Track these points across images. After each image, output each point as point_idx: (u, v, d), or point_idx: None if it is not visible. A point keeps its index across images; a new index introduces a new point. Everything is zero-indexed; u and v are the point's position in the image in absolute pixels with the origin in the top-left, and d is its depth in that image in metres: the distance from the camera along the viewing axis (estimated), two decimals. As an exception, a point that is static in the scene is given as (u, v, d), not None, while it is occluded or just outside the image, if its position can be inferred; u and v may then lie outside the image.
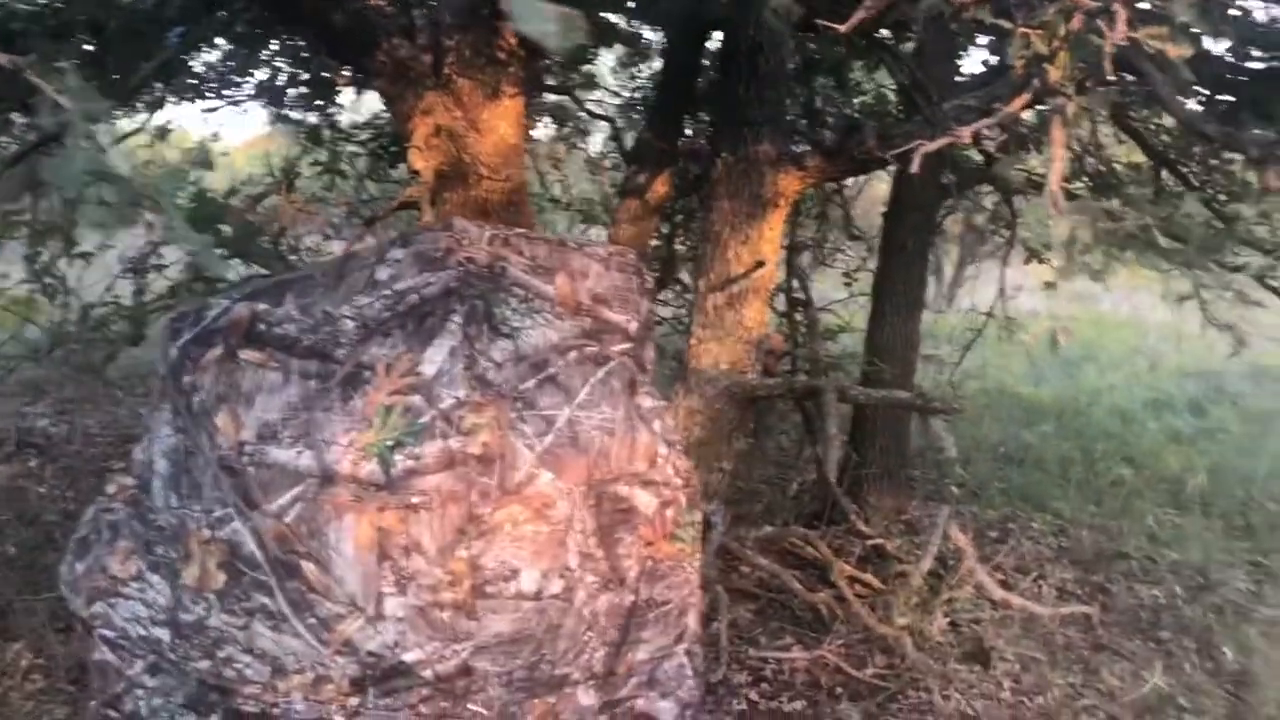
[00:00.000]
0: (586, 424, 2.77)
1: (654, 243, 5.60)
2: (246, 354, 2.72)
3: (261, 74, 6.41)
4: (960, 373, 6.71)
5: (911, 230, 5.42)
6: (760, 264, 3.98)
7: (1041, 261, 5.58)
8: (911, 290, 5.52)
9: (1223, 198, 4.62)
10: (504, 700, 2.64)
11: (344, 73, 5.82)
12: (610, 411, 2.82)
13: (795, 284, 5.64)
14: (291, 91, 6.64)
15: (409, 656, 2.55)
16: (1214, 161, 4.70)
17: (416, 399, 2.64)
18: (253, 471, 2.61)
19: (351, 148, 6.74)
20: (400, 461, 2.58)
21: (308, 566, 2.56)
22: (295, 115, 6.84)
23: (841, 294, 6.49)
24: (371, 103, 6.69)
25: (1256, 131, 3.10)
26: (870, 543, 4.22)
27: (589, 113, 6.84)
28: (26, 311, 4.64)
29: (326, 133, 6.64)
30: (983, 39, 4.94)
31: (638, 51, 6.45)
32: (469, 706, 2.61)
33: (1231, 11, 3.70)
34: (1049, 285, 3.97)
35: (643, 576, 2.84)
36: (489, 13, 3.53)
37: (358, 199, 6.36)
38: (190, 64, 5.83)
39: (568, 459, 2.72)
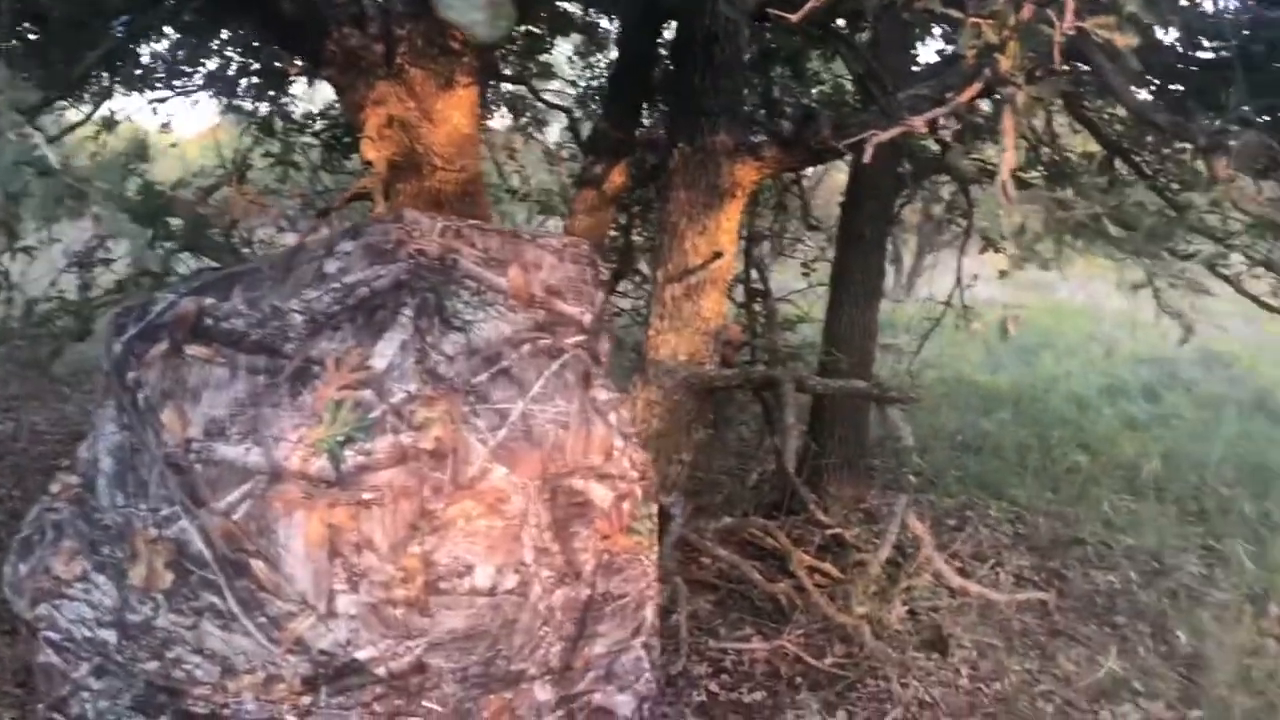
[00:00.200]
0: (540, 417, 2.75)
1: (612, 234, 5.58)
2: (193, 349, 2.67)
3: (212, 64, 6.31)
4: (919, 362, 6.75)
5: (869, 220, 5.43)
6: (718, 255, 3.97)
7: (997, 251, 5.62)
8: (869, 280, 5.53)
9: (1175, 186, 4.66)
10: (459, 697, 2.61)
11: (295, 63, 5.74)
12: (565, 404, 2.80)
13: (754, 274, 5.64)
14: (243, 82, 6.54)
15: (362, 654, 2.51)
16: (1166, 151, 4.74)
17: (367, 394, 2.60)
18: (200, 469, 2.56)
19: (305, 138, 6.66)
20: (351, 457, 2.54)
21: (257, 565, 2.52)
22: (247, 106, 6.74)
23: (801, 284, 6.50)
24: (325, 93, 6.61)
25: (1204, 121, 3.14)
26: (829, 532, 4.24)
27: (546, 103, 6.80)
28: (-32, 307, 4.54)
29: (279, 123, 6.56)
30: (938, 29, 4.96)
31: (595, 41, 6.42)
32: (423, 704, 2.58)
33: (1181, 2, 3.73)
34: (1004, 274, 4.00)
35: (599, 570, 2.82)
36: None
37: (312, 190, 6.29)
38: (138, 54, 5.71)
39: (521, 453, 2.69)
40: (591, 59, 6.83)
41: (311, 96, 7.15)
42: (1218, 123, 3.03)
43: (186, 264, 4.22)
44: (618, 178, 4.74)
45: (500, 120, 7.25)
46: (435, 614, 2.56)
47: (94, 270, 4.35)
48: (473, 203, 3.94)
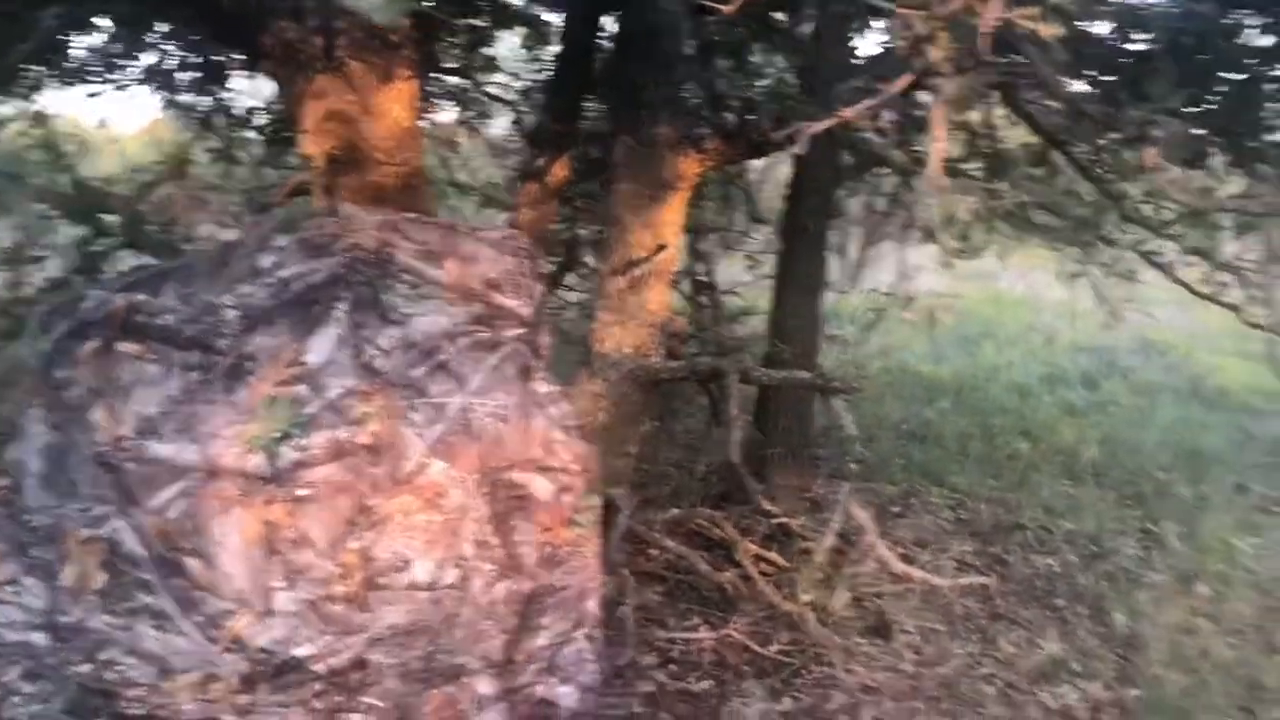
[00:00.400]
0: (479, 411, 2.74)
1: (556, 227, 5.56)
2: (124, 346, 2.63)
3: (149, 57, 6.18)
4: (863, 352, 6.81)
5: (811, 213, 5.46)
6: (662, 247, 3.98)
7: (935, 242, 5.69)
8: (813, 272, 5.57)
9: (1110, 177, 4.75)
10: (400, 692, 2.60)
11: (233, 56, 5.65)
12: (504, 398, 2.79)
13: (700, 268, 5.66)
14: (182, 76, 6.41)
15: (301, 651, 2.50)
16: (1101, 142, 4.83)
17: (302, 389, 2.58)
18: (132, 467, 2.52)
19: (247, 133, 6.56)
20: (287, 453, 2.52)
21: (193, 563, 2.49)
22: (187, 100, 6.61)
23: (747, 277, 6.52)
24: (267, 86, 6.51)
25: (1134, 111, 3.20)
26: (775, 521, 4.27)
27: (489, 96, 6.75)
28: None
29: (220, 118, 6.45)
30: (878, 22, 5.00)
31: (538, 34, 6.39)
32: (364, 700, 2.57)
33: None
34: (945, 265, 4.06)
35: (541, 563, 2.83)
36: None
37: (254, 185, 6.20)
38: (70, 46, 5.58)
39: (460, 447, 2.69)
40: (536, 52, 6.79)
41: (255, 90, 7.03)
42: (1145, 113, 3.10)
43: (126, 261, 4.15)
44: (561, 171, 4.72)
45: (447, 114, 7.19)
46: (375, 610, 2.55)
47: (24, 268, 4.26)
48: (415, 197, 3.90)
